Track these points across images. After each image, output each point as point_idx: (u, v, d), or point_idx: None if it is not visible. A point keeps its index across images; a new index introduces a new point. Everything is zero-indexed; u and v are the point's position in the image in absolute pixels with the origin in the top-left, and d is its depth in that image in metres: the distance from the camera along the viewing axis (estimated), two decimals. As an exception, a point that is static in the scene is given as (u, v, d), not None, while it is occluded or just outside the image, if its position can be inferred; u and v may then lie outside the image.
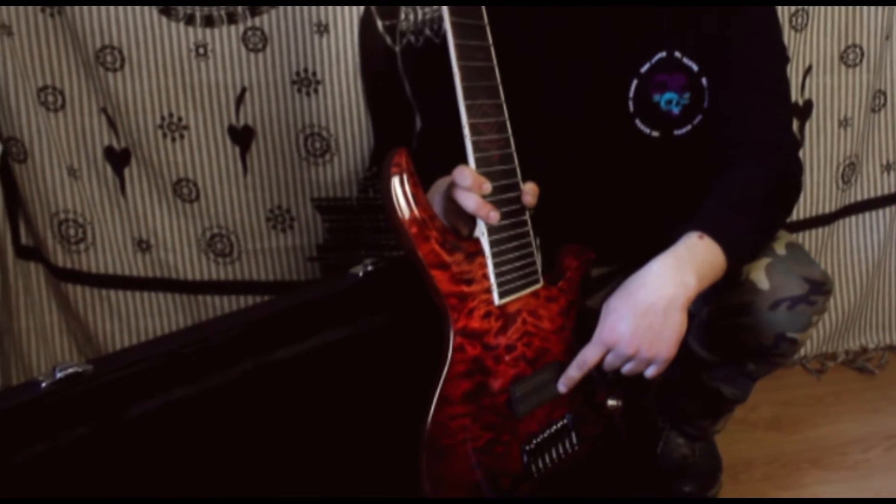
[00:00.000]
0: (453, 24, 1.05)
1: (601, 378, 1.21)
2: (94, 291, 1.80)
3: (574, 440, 1.21)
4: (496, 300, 1.11)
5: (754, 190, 1.22)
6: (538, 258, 1.16)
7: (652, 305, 1.11)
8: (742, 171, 1.24)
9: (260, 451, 1.18)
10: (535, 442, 1.17)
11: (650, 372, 1.14)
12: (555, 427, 1.19)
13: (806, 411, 1.87)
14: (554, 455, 1.19)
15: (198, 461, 1.12)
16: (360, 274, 1.35)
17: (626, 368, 1.14)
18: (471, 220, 1.11)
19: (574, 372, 1.17)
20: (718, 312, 1.30)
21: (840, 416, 1.84)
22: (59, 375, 1.03)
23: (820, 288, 1.25)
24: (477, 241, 1.10)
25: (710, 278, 1.14)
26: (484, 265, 1.10)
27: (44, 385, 1.02)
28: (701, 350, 1.37)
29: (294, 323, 1.24)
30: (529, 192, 1.13)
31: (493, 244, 1.10)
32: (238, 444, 1.16)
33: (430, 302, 1.10)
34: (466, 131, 1.07)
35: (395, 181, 1.04)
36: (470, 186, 1.07)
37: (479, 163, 1.08)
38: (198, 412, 1.12)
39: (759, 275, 1.25)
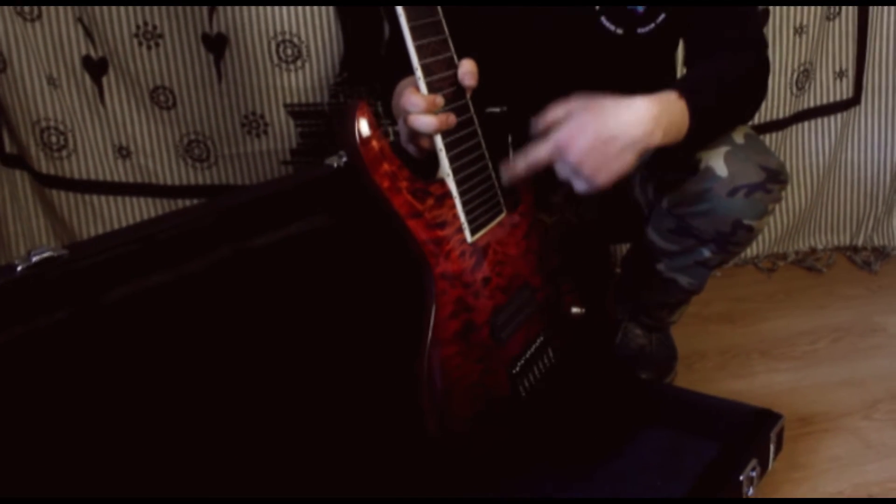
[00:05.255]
0: None
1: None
2: (78, 197, 1.82)
3: (550, 354, 1.24)
4: (468, 238, 1.11)
5: (729, 75, 1.23)
6: (497, 187, 1.16)
7: (615, 138, 1.10)
8: (720, 59, 1.25)
9: (240, 338, 1.18)
10: (519, 365, 1.18)
11: (578, 187, 1.12)
12: (534, 346, 1.21)
13: (757, 306, 1.92)
14: (536, 372, 1.21)
15: (177, 348, 1.12)
16: (335, 165, 1.33)
17: (562, 175, 1.13)
18: (429, 138, 1.10)
19: (520, 163, 1.13)
20: (678, 201, 1.32)
21: (789, 311, 1.89)
22: (34, 259, 1.01)
23: (776, 177, 1.27)
24: (443, 183, 1.08)
25: (670, 139, 1.15)
26: (453, 206, 1.09)
27: (19, 268, 1.00)
28: (659, 240, 1.40)
29: (269, 210, 1.23)
30: (467, 72, 1.10)
31: (458, 183, 1.09)
32: (216, 330, 1.16)
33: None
34: (413, 54, 1.03)
35: (361, 137, 1.00)
36: (425, 109, 1.05)
37: (431, 87, 1.05)
38: (176, 298, 1.12)
39: (718, 162, 1.26)
